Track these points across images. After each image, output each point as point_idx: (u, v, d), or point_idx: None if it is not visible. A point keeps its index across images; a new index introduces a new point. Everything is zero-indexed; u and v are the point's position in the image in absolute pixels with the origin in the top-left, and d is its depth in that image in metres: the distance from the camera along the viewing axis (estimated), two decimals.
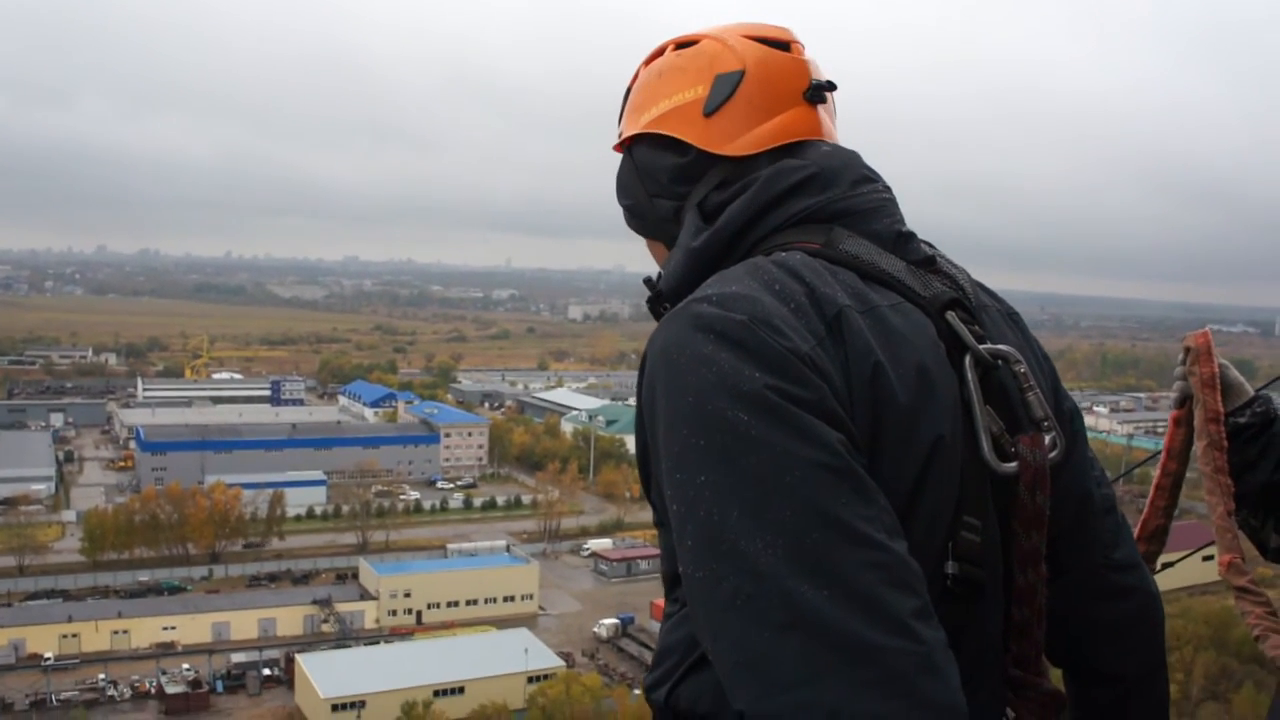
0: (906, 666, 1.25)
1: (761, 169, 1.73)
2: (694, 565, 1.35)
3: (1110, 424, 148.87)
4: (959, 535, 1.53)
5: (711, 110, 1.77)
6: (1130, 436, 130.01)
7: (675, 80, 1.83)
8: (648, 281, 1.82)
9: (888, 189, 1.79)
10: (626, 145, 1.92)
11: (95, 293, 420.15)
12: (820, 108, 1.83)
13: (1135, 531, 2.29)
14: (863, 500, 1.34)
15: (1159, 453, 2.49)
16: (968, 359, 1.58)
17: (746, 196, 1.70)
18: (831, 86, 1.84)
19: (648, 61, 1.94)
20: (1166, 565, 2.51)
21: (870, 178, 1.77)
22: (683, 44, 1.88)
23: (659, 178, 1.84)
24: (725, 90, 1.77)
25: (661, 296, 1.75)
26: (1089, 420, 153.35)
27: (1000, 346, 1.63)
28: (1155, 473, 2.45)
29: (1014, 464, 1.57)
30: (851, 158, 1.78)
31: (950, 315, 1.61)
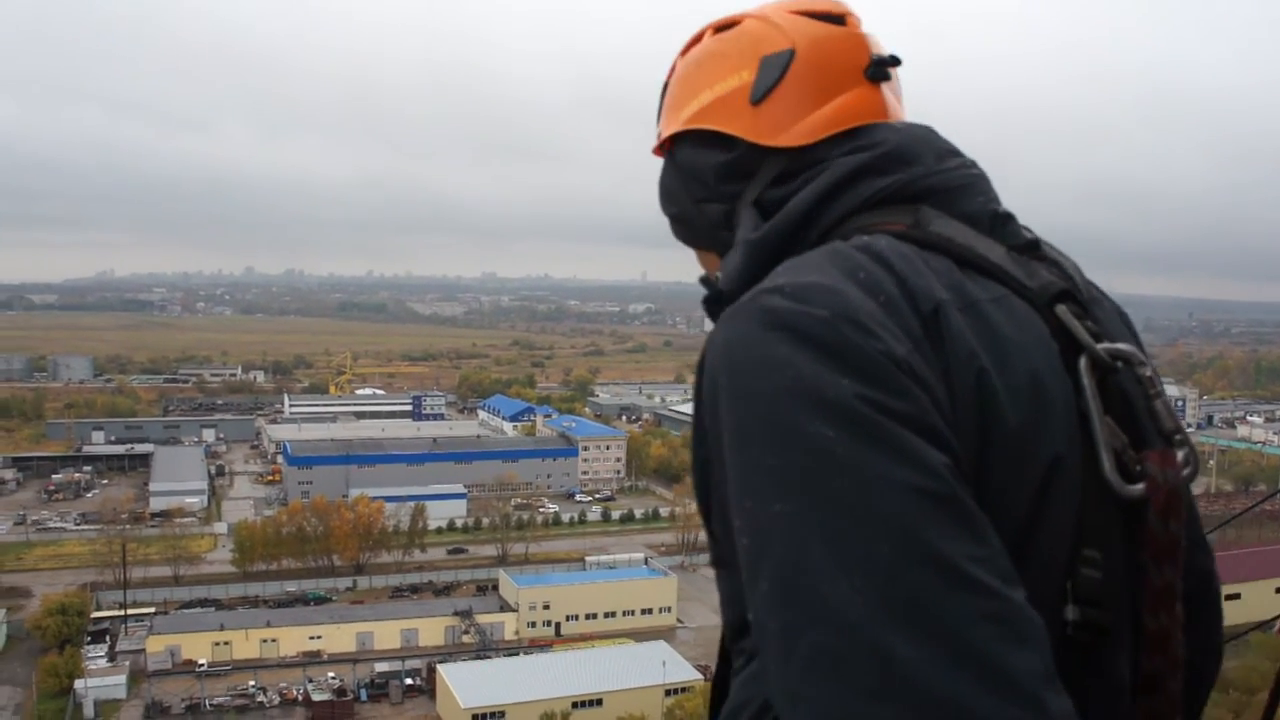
0: None
1: (823, 159, 1.49)
2: (767, 614, 1.10)
3: (1265, 434, 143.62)
4: (1078, 573, 1.26)
5: (759, 97, 1.53)
6: None
7: (716, 67, 1.60)
8: (704, 280, 1.62)
9: (975, 165, 1.53)
10: (667, 148, 1.69)
11: (244, 312, 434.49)
12: (884, 86, 1.57)
13: None
14: (973, 536, 1.09)
15: None
16: (1083, 361, 1.30)
17: (812, 185, 1.46)
18: (896, 61, 1.58)
19: (684, 51, 1.71)
20: None
21: (955, 151, 1.53)
22: (722, 26, 1.65)
23: (705, 179, 1.60)
24: (773, 73, 1.53)
25: (721, 298, 1.47)
26: (1243, 430, 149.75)
27: (1120, 345, 1.33)
28: None
29: (1141, 485, 1.26)
30: (927, 133, 1.53)
31: (1061, 309, 1.34)
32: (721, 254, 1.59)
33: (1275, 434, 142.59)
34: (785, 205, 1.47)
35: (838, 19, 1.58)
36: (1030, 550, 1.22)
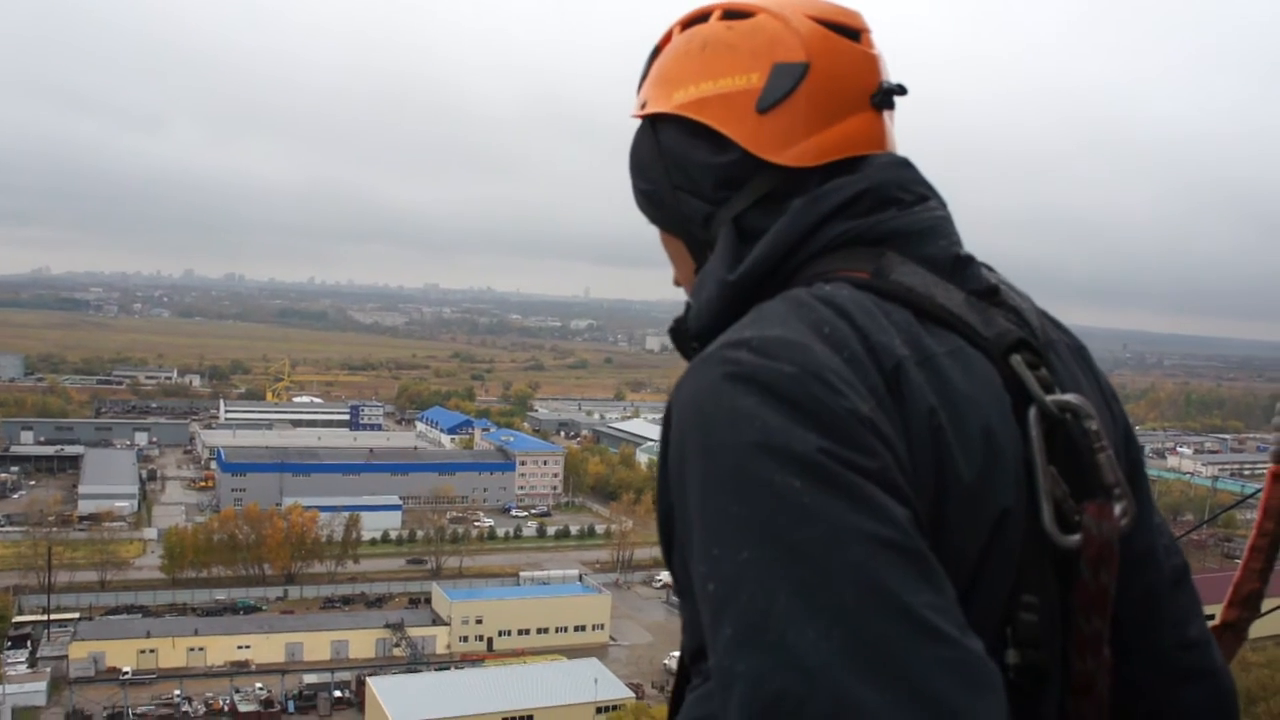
0: None
1: (812, 185, 1.46)
2: (731, 658, 1.09)
3: (1195, 465, 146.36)
4: (1017, 617, 1.30)
5: (767, 106, 1.47)
6: (1215, 479, 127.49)
7: (723, 60, 1.52)
8: (678, 320, 1.56)
9: (943, 205, 1.52)
10: (649, 118, 1.62)
11: (182, 315, 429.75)
12: (886, 114, 1.54)
13: (1228, 596, 2.12)
14: (933, 587, 1.11)
15: (1247, 497, 2.29)
16: (1032, 412, 1.32)
17: (783, 223, 1.44)
18: (902, 91, 1.54)
19: (684, 24, 1.62)
20: (1258, 616, 2.29)
21: (927, 192, 1.51)
22: (734, 12, 1.55)
23: (690, 172, 1.55)
24: (785, 84, 1.47)
25: (690, 333, 1.49)
26: (1173, 461, 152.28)
27: (1069, 397, 1.35)
28: (1250, 532, 2.23)
29: (1077, 536, 1.29)
30: (905, 170, 1.50)
31: (1015, 359, 1.35)
32: (686, 241, 1.60)
33: (1204, 465, 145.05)
34: (763, 238, 1.45)
35: (854, 34, 1.52)
36: (975, 596, 1.25)
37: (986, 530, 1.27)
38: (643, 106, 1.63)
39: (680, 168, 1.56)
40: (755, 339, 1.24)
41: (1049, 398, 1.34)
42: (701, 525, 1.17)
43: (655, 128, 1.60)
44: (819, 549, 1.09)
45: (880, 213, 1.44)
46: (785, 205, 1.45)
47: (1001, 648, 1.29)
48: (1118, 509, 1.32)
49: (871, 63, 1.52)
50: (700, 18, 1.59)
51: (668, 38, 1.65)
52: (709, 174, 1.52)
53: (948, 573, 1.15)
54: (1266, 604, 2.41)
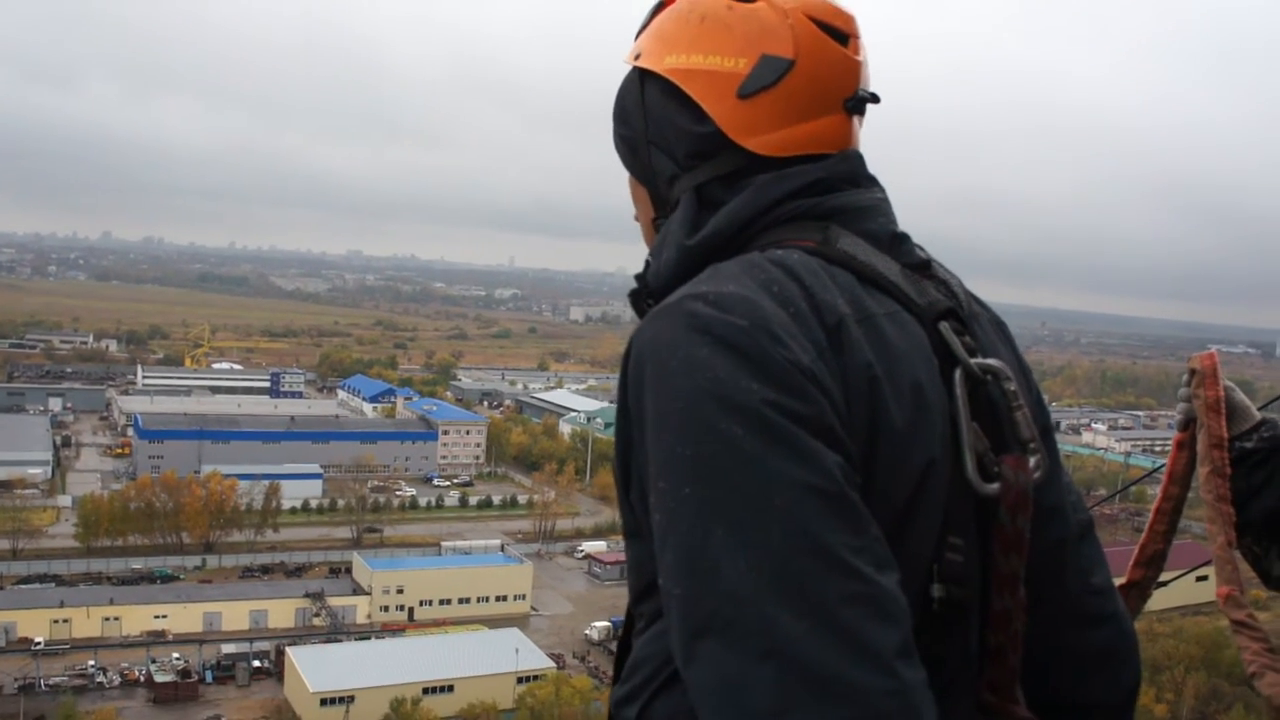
0: (884, 707, 1.19)
1: (773, 169, 1.60)
2: (673, 581, 1.28)
3: (1109, 441, 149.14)
4: (944, 556, 1.46)
5: (748, 93, 1.59)
6: (1128, 454, 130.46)
7: (717, 37, 1.62)
8: (638, 277, 1.70)
9: (883, 191, 1.68)
10: (640, 70, 1.72)
11: (99, 279, 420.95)
12: (856, 118, 1.67)
13: (1133, 556, 2.27)
14: (853, 529, 1.26)
15: (1156, 470, 2.42)
16: (958, 373, 1.49)
17: (744, 198, 1.58)
18: (875, 99, 1.67)
19: None
20: (1160, 585, 2.44)
21: (872, 181, 1.67)
22: None
23: (667, 133, 1.67)
24: (769, 76, 1.58)
25: (648, 291, 1.64)
26: (1087, 437, 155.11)
27: (990, 361, 1.54)
28: (1156, 496, 2.38)
29: (996, 485, 1.47)
30: (858, 164, 1.66)
31: (943, 326, 1.53)
32: (652, 194, 1.73)
33: (1117, 441, 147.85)
34: (723, 209, 1.58)
35: (844, 38, 1.62)
36: (906, 536, 1.40)
37: (915, 476, 1.41)
38: (636, 57, 1.72)
39: (659, 126, 1.67)
40: (712, 294, 1.37)
41: (973, 360, 1.51)
42: (653, 460, 1.33)
43: (644, 81, 1.70)
44: (754, 491, 1.25)
45: (830, 195, 1.59)
46: (745, 183, 1.59)
47: (929, 583, 1.44)
48: (1032, 461, 1.51)
49: (854, 68, 1.63)
50: None
51: None
52: (683, 140, 1.64)
53: (878, 513, 1.31)
54: (1169, 573, 2.54)
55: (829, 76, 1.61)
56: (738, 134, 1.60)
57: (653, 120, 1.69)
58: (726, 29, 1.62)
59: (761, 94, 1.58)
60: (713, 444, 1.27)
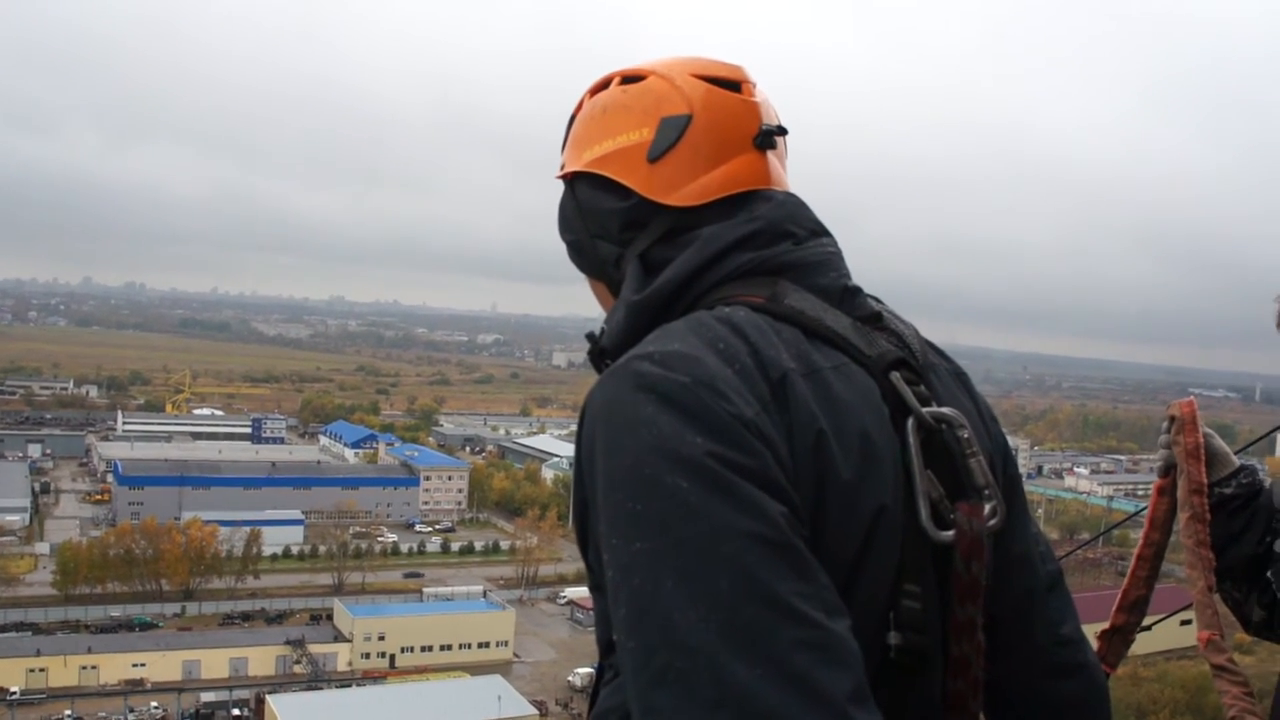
0: None
1: (707, 221, 1.66)
2: (626, 635, 1.29)
3: (1091, 485, 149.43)
4: (900, 604, 1.47)
5: (656, 156, 1.69)
6: (1110, 498, 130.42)
7: (619, 119, 1.75)
8: (590, 336, 1.73)
9: (834, 243, 1.72)
10: (568, 179, 1.84)
11: (79, 324, 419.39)
12: (770, 154, 1.75)
13: (1116, 601, 2.28)
14: (801, 576, 1.28)
15: (1137, 513, 2.44)
16: (910, 422, 1.52)
17: (688, 254, 1.63)
18: (782, 131, 1.76)
19: (593, 91, 1.85)
20: (1144, 629, 2.45)
21: (817, 231, 1.71)
22: (629, 78, 1.79)
23: (602, 220, 1.75)
24: (671, 135, 1.69)
25: (604, 352, 1.67)
26: (1070, 481, 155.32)
27: (943, 409, 1.56)
28: (1138, 542, 2.39)
29: (951, 532, 1.50)
30: (798, 210, 1.71)
31: (894, 375, 1.55)
32: (609, 285, 1.78)
33: (1100, 485, 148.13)
34: (666, 268, 1.64)
35: (734, 85, 1.73)
36: (859, 583, 1.42)
37: (865, 524, 1.43)
38: (562, 168, 1.85)
39: (594, 217, 1.76)
40: (658, 353, 1.42)
41: (925, 409, 1.53)
42: (605, 518, 1.36)
43: (573, 186, 1.81)
44: (701, 542, 1.27)
45: (776, 246, 1.64)
46: (686, 239, 1.65)
47: (885, 630, 1.46)
48: (987, 509, 1.54)
49: (752, 110, 1.73)
50: (603, 85, 1.82)
51: (580, 105, 1.86)
52: (615, 218, 1.73)
53: (828, 561, 1.34)
54: (1152, 617, 2.56)
55: (728, 121, 1.70)
56: (658, 194, 1.68)
57: (588, 215, 1.77)
58: (625, 109, 1.74)
59: (669, 153, 1.68)
60: (660, 497, 1.30)
